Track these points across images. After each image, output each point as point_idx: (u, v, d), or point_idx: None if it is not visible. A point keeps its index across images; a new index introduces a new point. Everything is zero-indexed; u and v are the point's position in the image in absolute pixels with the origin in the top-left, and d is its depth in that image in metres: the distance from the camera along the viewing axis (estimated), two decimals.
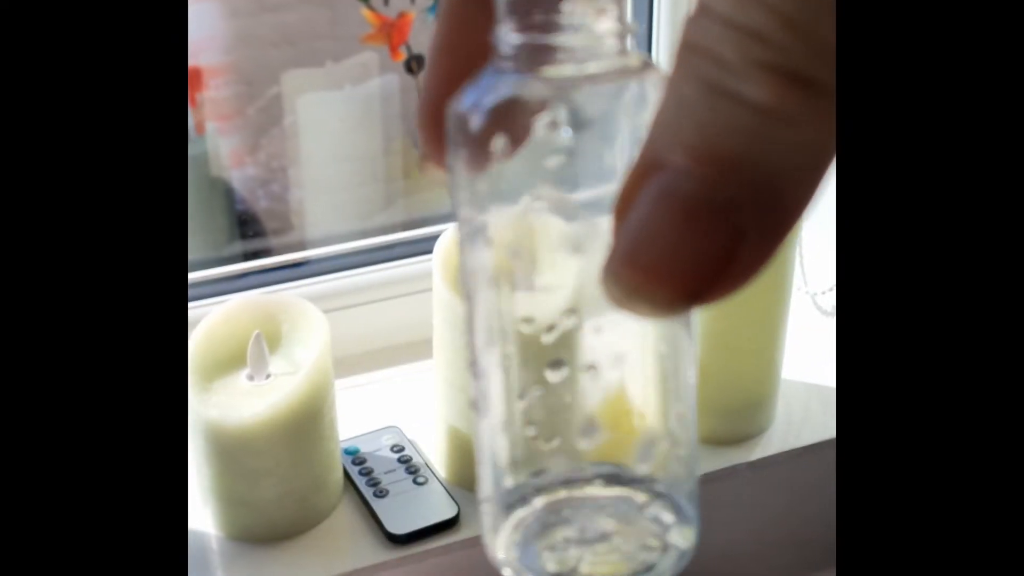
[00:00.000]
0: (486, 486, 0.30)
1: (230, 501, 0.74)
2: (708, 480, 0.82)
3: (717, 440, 0.84)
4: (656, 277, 0.21)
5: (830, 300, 0.93)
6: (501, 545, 0.29)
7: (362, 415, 0.86)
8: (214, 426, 0.71)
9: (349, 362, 0.93)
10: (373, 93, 1.13)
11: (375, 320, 0.94)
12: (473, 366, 0.29)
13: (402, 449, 0.82)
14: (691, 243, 0.21)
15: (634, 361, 0.28)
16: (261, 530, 0.75)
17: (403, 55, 1.12)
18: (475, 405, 0.29)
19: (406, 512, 0.77)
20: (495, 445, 0.29)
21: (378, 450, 0.82)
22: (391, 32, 1.10)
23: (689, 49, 0.21)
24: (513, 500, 0.29)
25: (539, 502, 0.29)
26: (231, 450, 0.72)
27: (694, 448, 0.29)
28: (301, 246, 1.04)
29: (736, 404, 0.83)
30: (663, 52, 0.98)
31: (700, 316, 0.79)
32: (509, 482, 0.29)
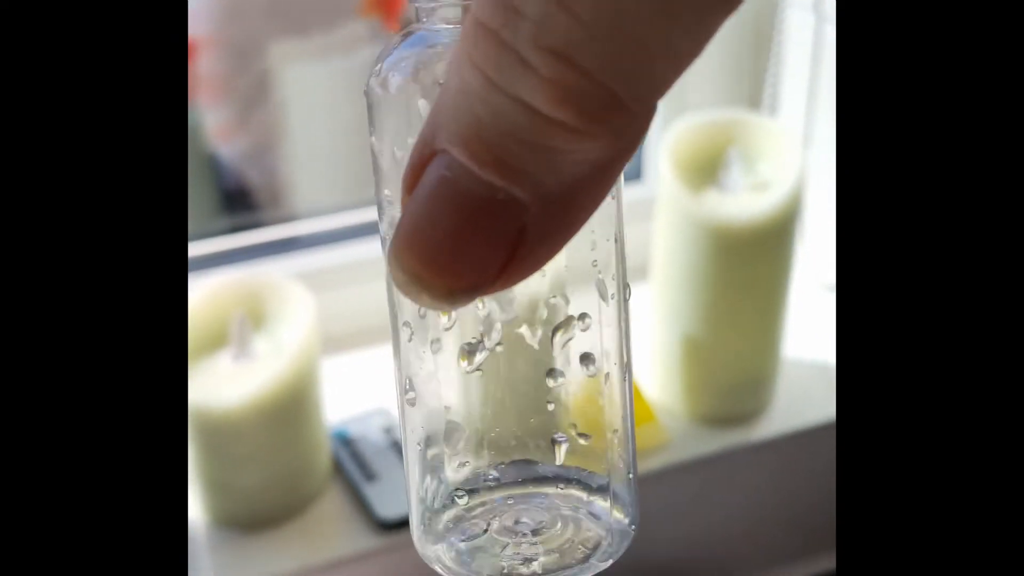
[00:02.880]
0: (414, 480, 0.28)
1: (214, 486, 0.72)
2: (706, 461, 0.80)
3: (716, 420, 0.82)
4: (435, 268, 0.21)
5: (832, 277, 0.91)
6: (432, 542, 0.28)
7: (352, 396, 0.84)
8: (197, 409, 0.69)
9: (339, 341, 0.90)
10: (363, 64, 1.10)
11: (365, 298, 0.92)
12: (403, 352, 0.28)
13: (393, 431, 0.80)
14: (472, 239, 0.20)
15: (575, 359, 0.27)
16: (246, 516, 0.73)
17: (400, 27, 1.09)
18: (404, 390, 0.28)
19: (397, 497, 0.74)
20: (425, 438, 0.28)
21: (368, 433, 0.80)
22: (386, 3, 1.08)
23: (476, 23, 0.19)
24: (445, 495, 0.28)
25: (472, 498, 0.28)
26: (214, 434, 0.70)
27: (631, 438, 0.28)
28: (288, 222, 1.01)
29: (735, 382, 0.81)
30: None
31: (697, 290, 0.77)
32: (440, 477, 0.28)
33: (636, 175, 0.99)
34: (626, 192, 0.99)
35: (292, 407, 0.71)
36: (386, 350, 0.87)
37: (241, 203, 1.09)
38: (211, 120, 1.10)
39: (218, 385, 0.70)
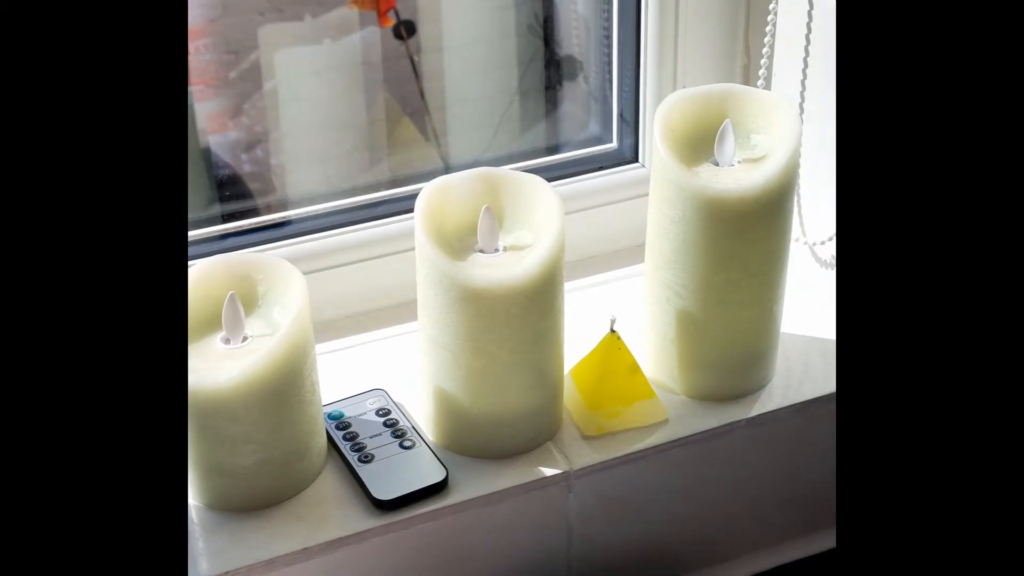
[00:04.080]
0: None
1: (208, 469, 0.71)
2: (705, 438, 0.79)
3: (714, 397, 0.81)
4: None
5: (829, 251, 0.90)
6: None
7: (346, 379, 0.83)
8: (190, 391, 0.68)
9: (332, 325, 0.90)
10: (354, 49, 1.09)
11: (358, 281, 0.91)
12: None
13: (388, 412, 0.79)
14: None
15: None
16: (241, 499, 0.72)
17: (391, 20, 1.09)
18: None
19: (392, 477, 0.74)
20: None
21: (363, 414, 0.79)
22: None
23: None
24: None
25: None
26: (207, 416, 0.69)
27: None
28: (283, 208, 1.00)
29: (734, 359, 0.80)
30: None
31: (696, 268, 0.76)
32: None
33: (634, 158, 0.98)
34: (624, 175, 0.98)
35: (285, 388, 0.70)
36: (379, 334, 0.86)
37: (233, 191, 1.08)
38: (203, 111, 1.10)
39: (210, 367, 0.69)
